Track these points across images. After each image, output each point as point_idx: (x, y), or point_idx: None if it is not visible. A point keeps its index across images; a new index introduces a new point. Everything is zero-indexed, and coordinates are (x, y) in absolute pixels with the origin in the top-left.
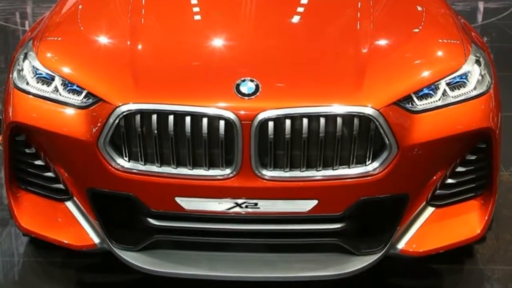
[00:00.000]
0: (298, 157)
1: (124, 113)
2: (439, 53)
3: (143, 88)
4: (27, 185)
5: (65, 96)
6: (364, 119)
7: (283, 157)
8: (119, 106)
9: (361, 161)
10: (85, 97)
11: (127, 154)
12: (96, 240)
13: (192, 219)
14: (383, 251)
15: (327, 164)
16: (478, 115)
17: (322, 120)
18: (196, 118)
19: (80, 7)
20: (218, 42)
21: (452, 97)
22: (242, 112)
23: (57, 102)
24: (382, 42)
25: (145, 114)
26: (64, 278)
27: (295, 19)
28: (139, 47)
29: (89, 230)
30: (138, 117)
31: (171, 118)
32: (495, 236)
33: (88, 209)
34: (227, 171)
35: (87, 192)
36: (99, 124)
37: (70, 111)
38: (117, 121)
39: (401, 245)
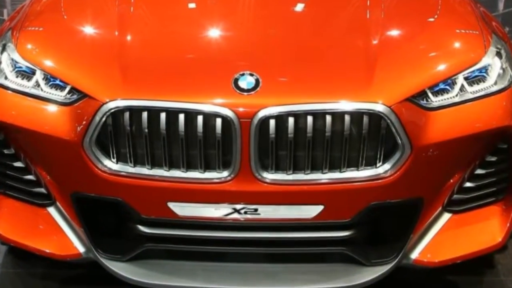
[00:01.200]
0: (302, 158)
1: (112, 110)
2: (456, 45)
3: (132, 83)
4: (5, 189)
5: (47, 91)
6: (374, 117)
7: (285, 158)
8: (106, 103)
9: (371, 163)
10: (69, 92)
11: (115, 155)
12: (81, 249)
13: (186, 226)
14: (395, 261)
15: (333, 166)
16: (499, 112)
17: (328, 118)
18: (191, 115)
19: None
20: (214, 32)
21: (471, 92)
22: (240, 109)
23: (38, 98)
24: (394, 32)
25: (135, 112)
26: None
27: (299, 7)
28: (128, 38)
29: (73, 238)
30: (127, 115)
31: (163, 115)
32: None
33: (72, 215)
34: (225, 173)
35: (71, 196)
36: (84, 122)
37: (52, 108)
38: (104, 119)
39: (414, 255)
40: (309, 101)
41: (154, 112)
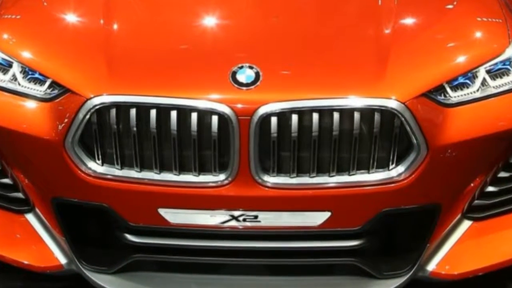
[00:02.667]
0: (307, 160)
1: (97, 107)
2: (478, 34)
3: (119, 77)
4: None
5: (25, 86)
6: (387, 114)
7: (288, 160)
8: (91, 99)
9: (383, 165)
10: (49, 87)
11: (100, 157)
12: (62, 260)
13: (179, 235)
14: (409, 274)
15: (341, 168)
16: None
17: (336, 115)
18: (184, 112)
19: None
20: (210, 20)
21: (493, 87)
22: (239, 106)
23: (15, 94)
24: (409, 20)
25: (122, 108)
26: None
27: None
28: (115, 26)
29: (54, 248)
30: (113, 112)
31: (153, 112)
32: None
33: (53, 223)
34: (221, 177)
35: (51, 202)
36: (66, 120)
37: (31, 104)
38: (88, 116)
39: (431, 267)
40: (314, 96)
41: (143, 109)
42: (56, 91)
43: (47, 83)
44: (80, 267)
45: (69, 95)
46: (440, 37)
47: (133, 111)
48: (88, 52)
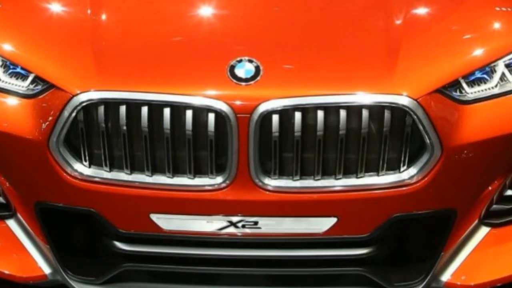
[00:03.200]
0: (311, 161)
1: (84, 104)
2: (496, 25)
3: (108, 71)
4: None
5: (6, 81)
6: (398, 112)
7: (291, 161)
8: (77, 95)
9: (394, 167)
10: (32, 82)
11: (87, 158)
12: (46, 270)
13: (173, 243)
14: (422, 285)
15: (349, 170)
16: None
17: (343, 113)
18: (178, 110)
19: None
20: (206, 11)
21: None
22: (237, 103)
23: None
24: (421, 10)
25: (111, 105)
26: None
27: None
28: (103, 17)
29: (37, 257)
30: (101, 109)
31: (144, 110)
32: None
33: (36, 229)
34: (218, 179)
35: (35, 207)
36: (50, 118)
37: (12, 101)
38: (74, 114)
39: (446, 277)
40: (319, 92)
41: (134, 106)
42: (39, 87)
43: (30, 78)
44: (66, 277)
45: (54, 91)
46: (455, 28)
47: (122, 109)
48: (74, 44)
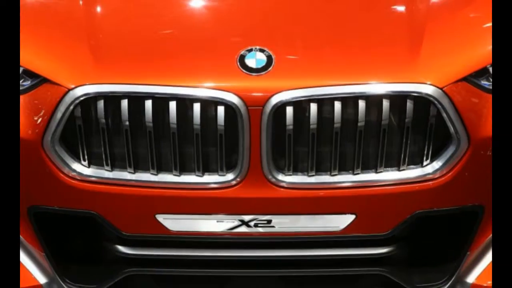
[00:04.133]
0: (328, 156)
1: (81, 99)
2: None
3: (107, 63)
4: None
5: None
6: (421, 102)
7: (306, 156)
8: (73, 89)
9: (416, 161)
10: (22, 77)
11: (86, 157)
12: (41, 279)
13: (180, 245)
14: (446, 286)
15: (367, 165)
16: None
17: (362, 104)
18: (184, 103)
19: None
20: None
21: None
22: (249, 94)
23: None
24: None
25: (111, 100)
26: None
27: None
28: (98, 7)
29: (31, 267)
30: (101, 104)
31: (148, 104)
32: None
33: (30, 236)
34: (229, 176)
35: (28, 211)
36: (44, 116)
37: None
38: (70, 109)
39: (471, 279)
40: (336, 82)
41: (136, 100)
42: (29, 82)
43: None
44: (64, 286)
45: (46, 85)
46: (483, 13)
47: (124, 103)
48: (67, 35)
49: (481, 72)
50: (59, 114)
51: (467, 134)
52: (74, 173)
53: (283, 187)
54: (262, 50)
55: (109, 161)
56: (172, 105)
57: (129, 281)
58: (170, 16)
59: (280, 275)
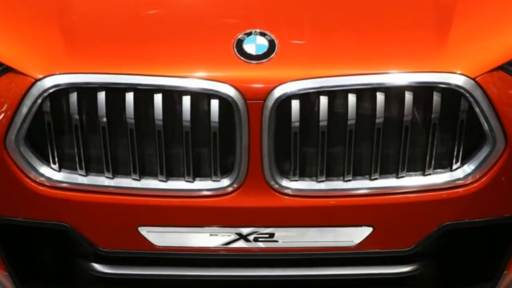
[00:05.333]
0: (340, 158)
1: (50, 91)
2: None
3: (81, 50)
4: None
5: None
6: (450, 94)
7: (315, 158)
8: (41, 79)
9: (444, 164)
10: None
11: (56, 159)
12: None
13: (167, 263)
14: None
15: (387, 169)
16: None
17: (380, 97)
18: (172, 96)
19: None
20: None
21: None
22: (247, 86)
23: None
24: None
25: (86, 92)
26: None
27: None
28: None
29: None
30: (74, 97)
31: (129, 97)
32: None
33: None
34: (224, 182)
35: None
36: (6, 111)
37: None
38: (38, 103)
39: None
40: (350, 72)
41: (115, 92)
42: None
43: None
44: None
45: (9, 75)
46: None
47: (101, 96)
48: (34, 14)
49: None
50: (24, 109)
51: (504, 132)
52: (42, 178)
53: (287, 194)
54: (263, 34)
55: (83, 164)
56: (158, 98)
57: None
58: None
59: None
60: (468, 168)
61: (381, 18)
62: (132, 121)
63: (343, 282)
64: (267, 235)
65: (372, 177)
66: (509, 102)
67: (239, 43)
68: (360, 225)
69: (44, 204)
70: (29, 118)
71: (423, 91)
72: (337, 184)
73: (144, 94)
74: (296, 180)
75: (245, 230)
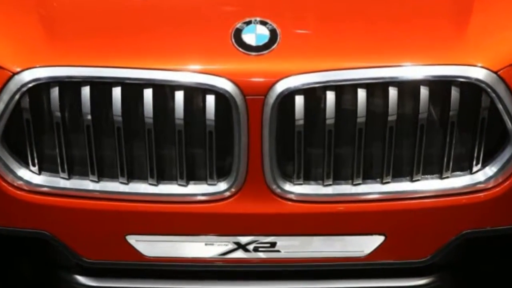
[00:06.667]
0: (348, 159)
1: (29, 85)
2: None
3: (63, 41)
4: None
5: None
6: (470, 89)
7: (321, 159)
8: (19, 73)
9: (463, 166)
10: None
11: (36, 161)
12: None
13: (158, 275)
14: None
15: (400, 171)
16: None
17: (393, 92)
18: (163, 91)
19: None
20: None
21: None
22: (247, 80)
23: None
24: None
25: (69, 86)
26: None
27: None
28: None
29: None
30: (55, 92)
31: (117, 92)
32: None
33: None
34: (221, 186)
35: None
36: None
37: None
38: (16, 99)
39: None
40: (360, 64)
41: (101, 87)
42: None
43: None
44: None
45: None
46: None
47: (85, 91)
48: (11, 4)
49: None
50: (1, 105)
51: None
52: (20, 182)
53: (291, 200)
54: (264, 23)
55: (65, 167)
56: (147, 93)
57: None
58: None
59: None
60: (490, 170)
61: (394, 5)
62: (120, 118)
63: None
64: (268, 245)
65: (384, 181)
66: None
67: (238, 33)
68: (371, 234)
69: (22, 210)
70: (6, 115)
71: (440, 86)
72: (345, 188)
73: (132, 89)
74: (300, 184)
75: (244, 239)
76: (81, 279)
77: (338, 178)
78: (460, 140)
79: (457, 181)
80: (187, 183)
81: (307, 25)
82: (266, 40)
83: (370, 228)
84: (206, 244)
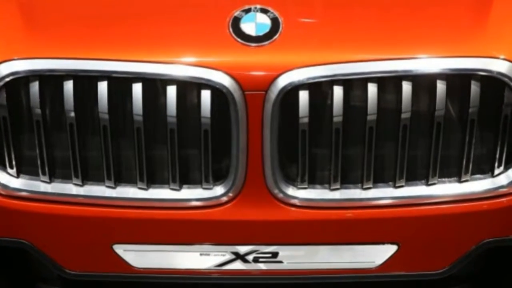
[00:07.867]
0: (358, 161)
1: (6, 80)
2: None
3: (43, 29)
4: None
5: None
6: (491, 84)
7: (328, 161)
8: None
9: (483, 169)
10: None
11: (13, 163)
12: None
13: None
14: None
15: (414, 174)
16: None
17: (406, 87)
18: (154, 86)
19: None
20: None
21: None
22: (246, 73)
23: None
24: None
25: (50, 81)
26: None
27: None
28: None
29: None
30: (35, 87)
31: (103, 86)
32: None
33: None
34: (218, 191)
35: None
36: None
37: None
38: None
39: None
40: (370, 56)
41: (86, 81)
42: None
43: None
44: None
45: None
46: None
47: (68, 86)
48: None
49: None
50: None
51: None
52: None
53: (294, 205)
54: (264, 11)
55: (46, 169)
56: (137, 88)
57: None
58: None
59: None
60: None
61: None
62: (106, 116)
63: None
64: (269, 255)
65: (397, 185)
66: None
67: (236, 21)
68: (383, 243)
69: None
70: None
71: (458, 80)
72: (354, 193)
73: (120, 83)
74: (305, 188)
75: (242, 249)
76: None
77: (347, 181)
78: (481, 139)
79: (477, 185)
80: (180, 187)
81: (312, 13)
82: (267, 29)
83: (381, 237)
84: (201, 254)
